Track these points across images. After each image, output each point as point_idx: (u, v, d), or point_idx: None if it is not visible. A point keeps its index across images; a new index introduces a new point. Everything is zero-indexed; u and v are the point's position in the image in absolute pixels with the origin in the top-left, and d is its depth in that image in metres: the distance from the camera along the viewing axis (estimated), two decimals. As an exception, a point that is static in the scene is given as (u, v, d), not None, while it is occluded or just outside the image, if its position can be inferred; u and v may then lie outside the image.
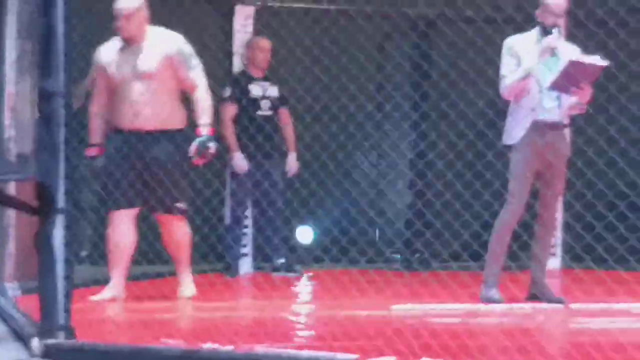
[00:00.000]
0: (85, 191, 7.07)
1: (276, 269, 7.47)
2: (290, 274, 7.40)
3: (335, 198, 7.91)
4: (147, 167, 5.74)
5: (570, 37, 6.22)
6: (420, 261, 7.90)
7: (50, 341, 3.72)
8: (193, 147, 5.78)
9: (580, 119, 6.21)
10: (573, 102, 5.57)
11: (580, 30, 6.37)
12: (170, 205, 5.78)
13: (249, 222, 7.73)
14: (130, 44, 5.80)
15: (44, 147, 3.81)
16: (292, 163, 7.63)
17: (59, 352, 3.68)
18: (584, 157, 5.67)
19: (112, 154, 5.80)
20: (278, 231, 7.51)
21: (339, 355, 3.50)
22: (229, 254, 7.54)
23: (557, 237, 7.71)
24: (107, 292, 5.77)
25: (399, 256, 8.07)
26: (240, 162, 7.34)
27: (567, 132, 5.81)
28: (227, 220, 7.69)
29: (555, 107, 5.57)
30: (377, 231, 8.37)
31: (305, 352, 3.76)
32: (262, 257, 7.70)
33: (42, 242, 3.80)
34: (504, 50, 5.68)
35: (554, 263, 7.42)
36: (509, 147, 5.62)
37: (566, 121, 5.71)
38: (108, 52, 5.86)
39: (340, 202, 7.99)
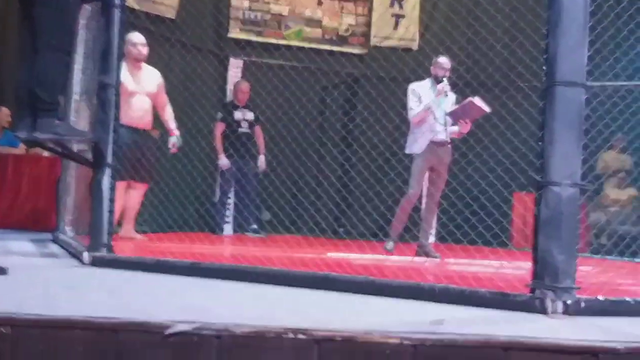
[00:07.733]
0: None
1: (249, 231, 7.38)
2: (258, 235, 7.32)
3: (286, 191, 7.82)
4: (142, 151, 5.60)
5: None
6: (345, 232, 7.90)
7: (97, 254, 3.60)
8: (173, 141, 5.77)
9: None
10: (455, 130, 5.60)
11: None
12: (147, 176, 5.70)
13: (231, 201, 7.65)
14: (138, 68, 5.65)
15: (100, 121, 3.72)
16: (261, 163, 7.52)
17: (102, 262, 3.56)
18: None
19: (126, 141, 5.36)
20: (251, 208, 7.42)
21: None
22: (216, 219, 7.45)
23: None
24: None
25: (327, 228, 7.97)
26: (223, 162, 7.26)
27: (450, 147, 5.78)
28: (217, 198, 7.62)
29: (443, 130, 5.61)
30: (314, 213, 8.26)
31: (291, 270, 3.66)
32: (239, 224, 7.59)
33: (94, 186, 3.70)
34: (409, 92, 5.68)
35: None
36: (411, 155, 5.64)
37: (449, 140, 5.73)
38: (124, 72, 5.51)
39: (289, 194, 7.89)
